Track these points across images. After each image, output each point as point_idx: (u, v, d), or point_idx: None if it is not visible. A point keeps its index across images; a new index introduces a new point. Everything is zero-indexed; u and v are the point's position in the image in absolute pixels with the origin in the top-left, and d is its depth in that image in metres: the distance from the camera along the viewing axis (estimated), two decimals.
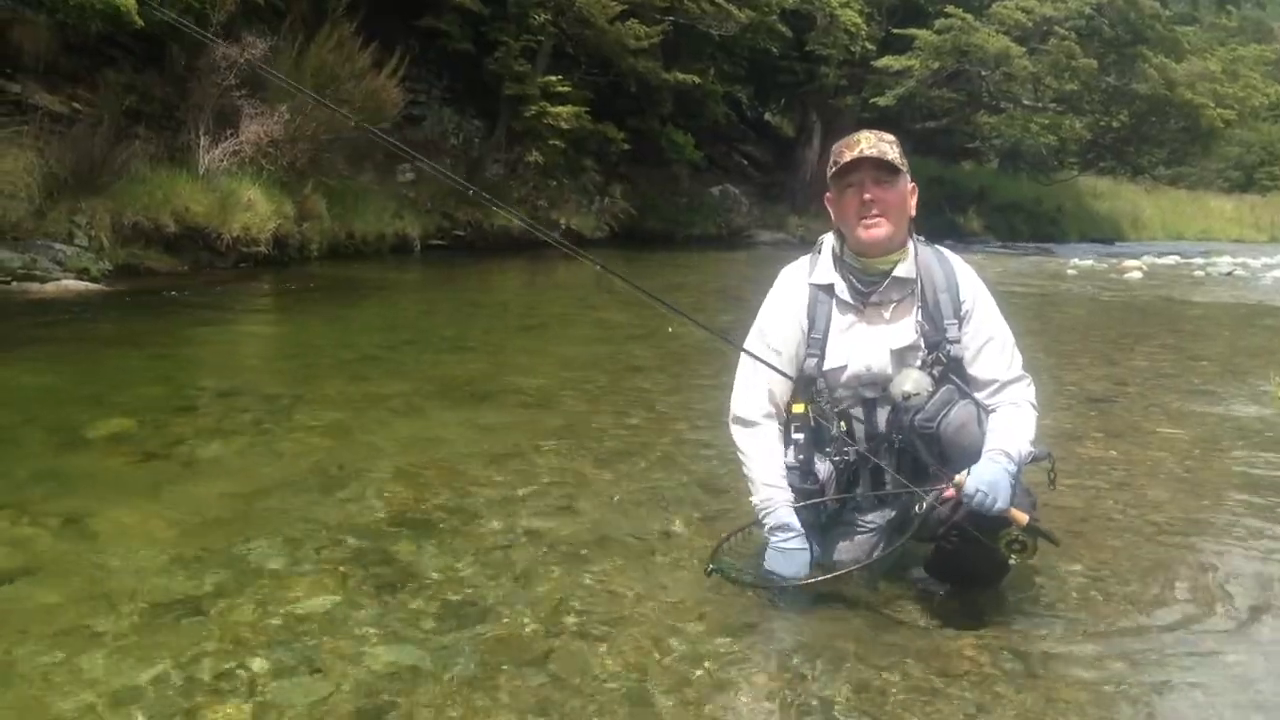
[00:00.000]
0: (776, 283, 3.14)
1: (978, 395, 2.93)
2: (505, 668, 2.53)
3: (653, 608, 2.92)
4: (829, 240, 3.09)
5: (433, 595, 2.95)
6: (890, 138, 2.95)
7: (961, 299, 2.97)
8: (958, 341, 2.94)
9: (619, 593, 3.02)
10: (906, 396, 2.88)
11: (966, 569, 2.95)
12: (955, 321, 2.95)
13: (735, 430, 3.09)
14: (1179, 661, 2.72)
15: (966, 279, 3.01)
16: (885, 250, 2.96)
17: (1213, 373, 7.56)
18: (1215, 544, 3.67)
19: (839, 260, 3.02)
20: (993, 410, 2.91)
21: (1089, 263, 20.32)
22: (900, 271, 2.96)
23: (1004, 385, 2.93)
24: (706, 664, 2.59)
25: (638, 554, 3.34)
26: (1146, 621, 2.96)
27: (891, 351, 2.95)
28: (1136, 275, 17.76)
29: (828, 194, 3.03)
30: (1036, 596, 3.10)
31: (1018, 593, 3.08)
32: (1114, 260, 21.27)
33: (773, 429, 3.04)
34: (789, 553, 2.93)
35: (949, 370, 2.93)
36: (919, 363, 2.94)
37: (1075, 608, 3.04)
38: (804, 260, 3.12)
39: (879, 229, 2.92)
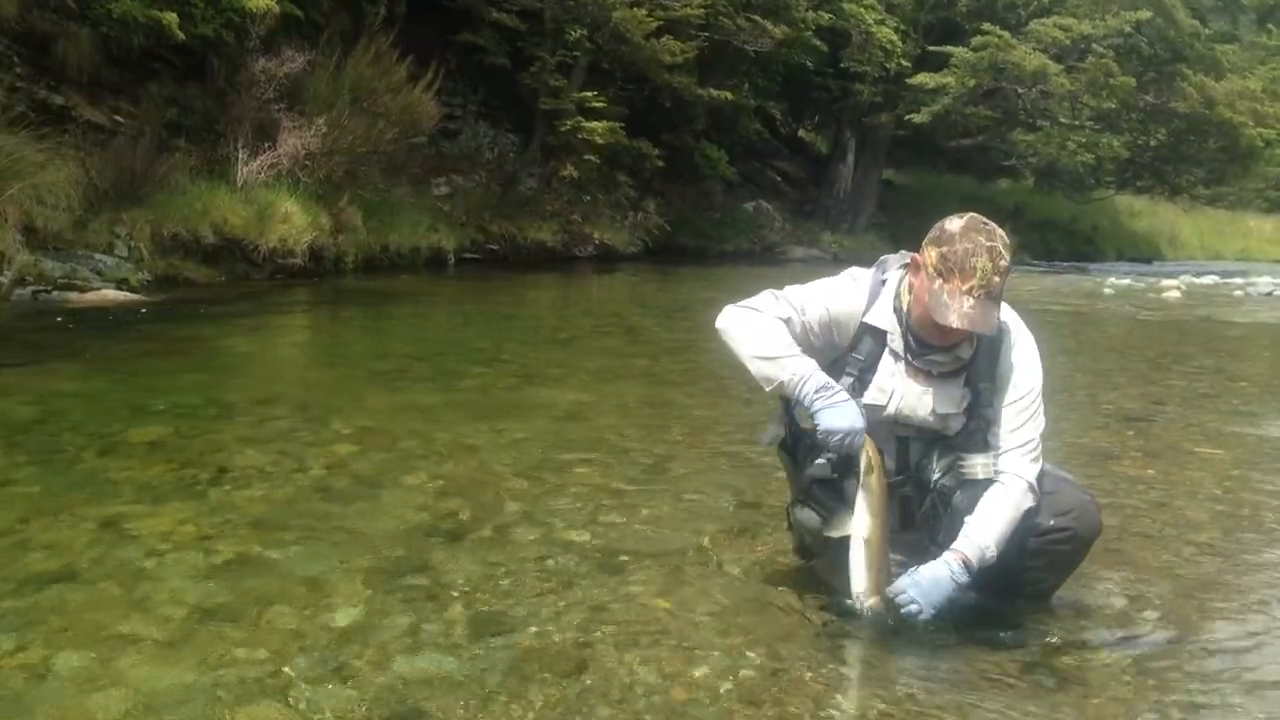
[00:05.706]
0: (840, 284, 2.96)
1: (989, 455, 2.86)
2: (539, 678, 2.52)
3: (686, 620, 2.91)
4: (894, 279, 2.91)
5: (466, 604, 2.95)
6: (1006, 260, 2.69)
7: (1001, 367, 2.87)
8: (990, 405, 2.87)
9: (652, 605, 3.01)
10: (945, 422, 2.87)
11: (1001, 581, 2.92)
12: (989, 385, 2.86)
13: (735, 315, 2.89)
14: (1218, 682, 2.68)
15: (1019, 345, 2.90)
16: None
17: (1252, 393, 7.46)
18: (1255, 565, 3.62)
19: (900, 315, 2.87)
20: (992, 478, 2.84)
21: (1126, 282, 20.10)
22: (961, 352, 2.87)
23: (1007, 451, 2.85)
24: (740, 676, 2.58)
25: (671, 567, 3.33)
26: (1185, 641, 2.92)
27: (934, 413, 2.87)
28: (1174, 295, 17.54)
29: (917, 259, 2.78)
30: (1072, 612, 3.06)
31: (1053, 607, 3.04)
32: (1151, 280, 21.02)
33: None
34: (840, 405, 2.77)
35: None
36: (959, 425, 2.88)
37: (1113, 625, 3.01)
38: (866, 280, 2.94)
39: (956, 339, 2.81)
